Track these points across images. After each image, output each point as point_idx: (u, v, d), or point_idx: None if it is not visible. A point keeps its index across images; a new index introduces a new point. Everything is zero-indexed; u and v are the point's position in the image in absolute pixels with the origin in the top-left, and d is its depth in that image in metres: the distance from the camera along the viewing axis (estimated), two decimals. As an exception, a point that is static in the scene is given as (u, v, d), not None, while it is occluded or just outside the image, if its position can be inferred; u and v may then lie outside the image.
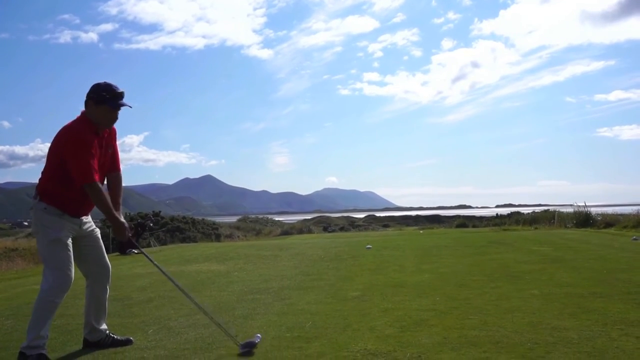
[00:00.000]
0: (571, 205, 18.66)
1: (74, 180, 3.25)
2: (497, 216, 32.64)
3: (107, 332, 3.55)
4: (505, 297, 4.60)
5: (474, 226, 24.65)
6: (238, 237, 26.17)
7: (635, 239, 10.16)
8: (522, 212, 30.07)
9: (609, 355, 2.86)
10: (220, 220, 38.51)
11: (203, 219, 32.35)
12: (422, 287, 5.33)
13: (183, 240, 24.04)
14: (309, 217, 55.59)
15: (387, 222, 50.80)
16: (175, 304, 4.99)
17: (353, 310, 4.33)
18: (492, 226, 21.87)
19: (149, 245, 17.92)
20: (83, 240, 3.49)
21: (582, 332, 3.35)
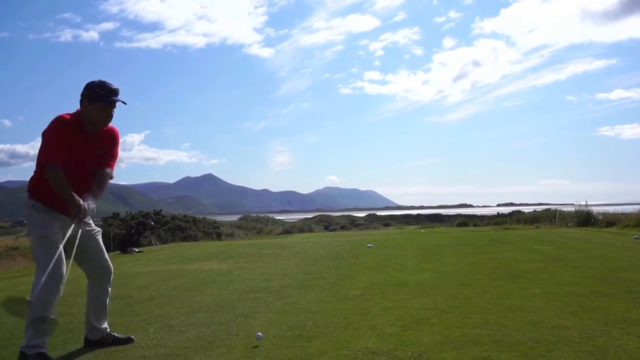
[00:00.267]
0: (572, 204, 18.65)
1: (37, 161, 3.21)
2: (498, 215, 32.60)
3: (108, 330, 3.55)
4: (507, 296, 4.60)
5: (475, 225, 24.63)
6: (239, 235, 26.17)
7: (636, 238, 10.15)
8: (523, 211, 30.05)
9: (610, 354, 2.86)
10: (221, 219, 38.55)
11: (204, 218, 32.39)
12: (423, 286, 5.33)
13: (184, 239, 24.06)
14: (310, 216, 55.60)
15: (388, 221, 50.78)
16: (176, 302, 4.99)
17: (354, 309, 4.33)
18: (493, 225, 21.85)
19: (150, 244, 17.94)
20: (81, 240, 3.45)
21: (584, 331, 3.34)
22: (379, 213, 72.95)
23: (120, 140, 3.61)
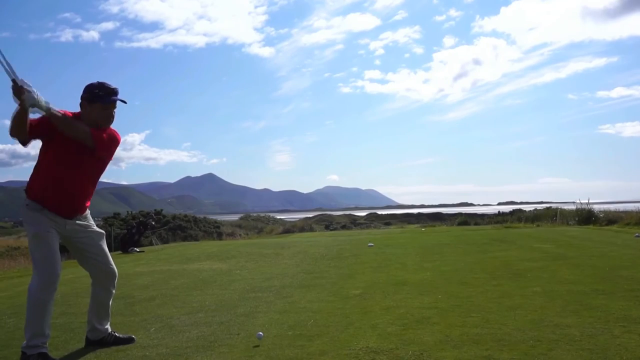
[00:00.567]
0: (573, 202, 18.65)
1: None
2: (499, 214, 32.55)
3: (110, 331, 3.55)
4: (507, 295, 4.60)
5: (475, 224, 24.62)
6: (240, 235, 26.18)
7: (637, 236, 10.15)
8: (524, 209, 30.04)
9: (611, 352, 2.86)
10: (222, 219, 38.54)
11: (205, 218, 32.38)
12: (424, 285, 5.33)
13: (185, 239, 24.07)
14: (311, 215, 55.59)
15: (388, 220, 50.78)
16: (177, 302, 5.00)
17: (355, 308, 4.33)
18: (494, 224, 21.83)
19: (151, 244, 17.95)
20: (81, 243, 3.43)
21: (585, 329, 3.34)
22: (379, 212, 72.90)
23: (121, 140, 3.60)
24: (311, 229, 27.88)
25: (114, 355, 3.26)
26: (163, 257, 10.22)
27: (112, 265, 3.53)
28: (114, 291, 3.57)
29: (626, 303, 4.06)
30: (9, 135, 3.17)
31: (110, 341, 3.49)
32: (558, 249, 8.42)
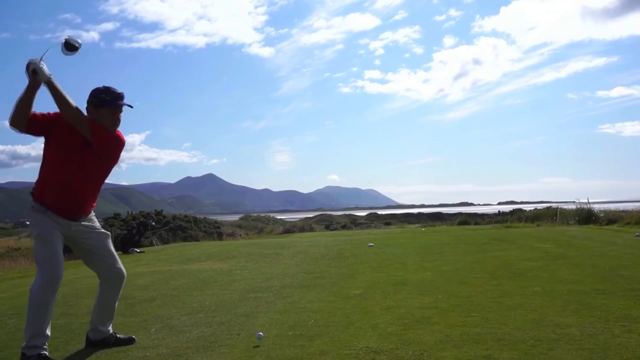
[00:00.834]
0: (573, 202, 18.65)
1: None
2: (499, 213, 32.56)
3: (111, 331, 3.56)
4: (508, 295, 4.60)
5: (475, 223, 24.61)
6: (240, 235, 26.18)
7: (638, 236, 10.15)
8: (524, 209, 30.03)
9: (612, 352, 2.86)
10: (222, 219, 38.54)
11: (205, 218, 32.36)
12: (424, 285, 5.33)
13: (185, 239, 24.07)
14: (311, 215, 55.59)
15: (389, 219, 50.79)
16: (178, 302, 5.00)
17: (355, 308, 4.34)
18: (494, 223, 21.84)
19: (151, 244, 17.95)
20: (87, 244, 3.44)
21: (585, 329, 3.34)
22: (379, 212, 72.89)
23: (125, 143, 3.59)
24: (311, 229, 27.88)
25: (114, 356, 3.26)
26: (163, 258, 10.22)
27: (120, 265, 3.54)
28: (120, 292, 3.58)
29: (626, 302, 4.06)
30: (9, 125, 3.18)
31: (111, 342, 3.49)
32: (558, 248, 8.42)
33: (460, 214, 39.90)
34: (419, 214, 57.59)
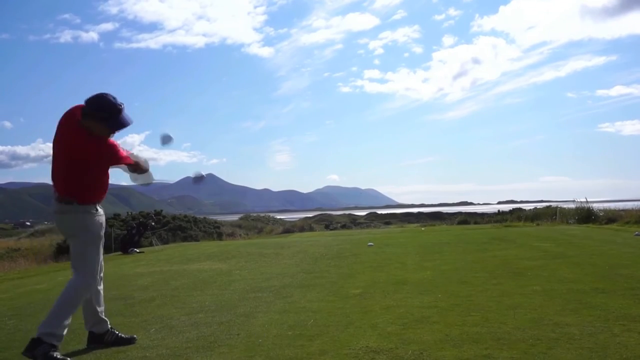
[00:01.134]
0: (573, 201, 18.67)
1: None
2: (499, 213, 32.56)
3: (111, 328, 3.57)
4: (507, 294, 4.60)
5: (475, 223, 24.64)
6: (240, 235, 26.19)
7: (637, 235, 10.15)
8: (524, 208, 30.05)
9: (611, 351, 2.86)
10: (222, 219, 38.53)
11: (205, 218, 32.35)
12: (423, 284, 5.33)
13: (185, 239, 24.06)
14: (311, 215, 55.63)
15: (388, 219, 50.84)
16: (177, 302, 5.00)
17: (355, 307, 4.34)
18: (494, 223, 21.86)
19: (151, 245, 17.95)
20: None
21: (584, 328, 3.34)
22: (379, 211, 72.89)
23: (120, 141, 3.60)
24: (311, 229, 27.90)
25: (114, 356, 3.27)
26: (163, 258, 10.22)
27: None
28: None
29: (626, 301, 4.07)
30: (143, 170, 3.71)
31: (111, 340, 3.51)
32: (558, 247, 8.43)
33: (460, 213, 39.94)
34: (419, 213, 57.63)
